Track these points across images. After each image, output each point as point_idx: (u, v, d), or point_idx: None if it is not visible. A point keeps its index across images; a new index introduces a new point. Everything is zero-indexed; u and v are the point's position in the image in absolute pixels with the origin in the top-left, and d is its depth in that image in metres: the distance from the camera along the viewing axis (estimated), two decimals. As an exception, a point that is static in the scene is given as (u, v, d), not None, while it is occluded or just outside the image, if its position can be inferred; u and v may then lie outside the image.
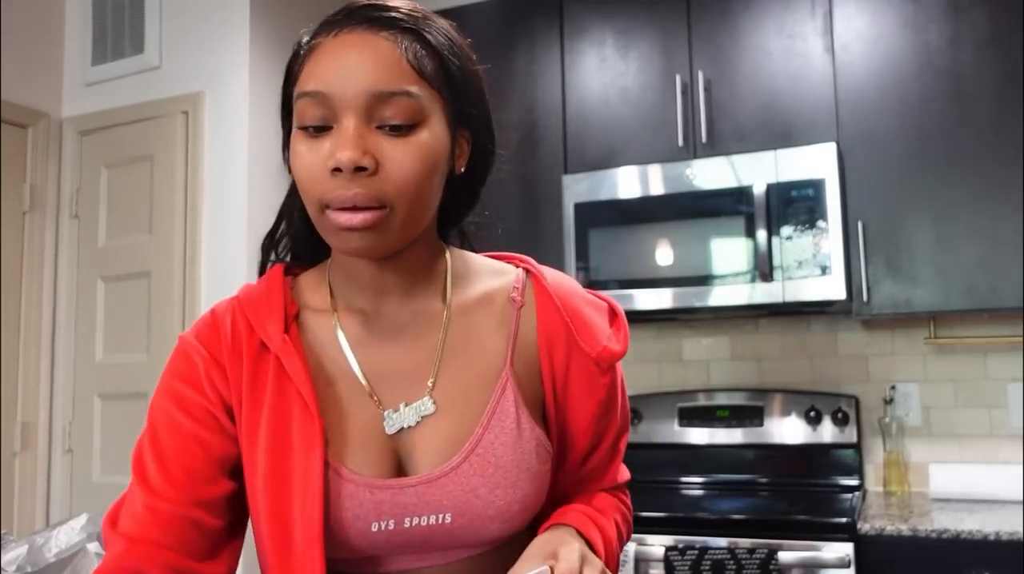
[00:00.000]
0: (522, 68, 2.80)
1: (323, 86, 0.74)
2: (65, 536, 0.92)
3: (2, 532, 0.93)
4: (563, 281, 0.88)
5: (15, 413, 2.81)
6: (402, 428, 0.79)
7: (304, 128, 0.75)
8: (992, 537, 1.95)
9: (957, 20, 2.34)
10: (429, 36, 0.77)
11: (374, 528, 0.76)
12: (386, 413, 0.79)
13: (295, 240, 0.90)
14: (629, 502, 0.96)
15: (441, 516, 0.77)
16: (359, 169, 0.72)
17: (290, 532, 0.75)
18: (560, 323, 0.83)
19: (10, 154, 2.83)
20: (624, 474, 0.95)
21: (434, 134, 0.76)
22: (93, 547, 0.91)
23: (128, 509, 0.78)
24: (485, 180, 0.89)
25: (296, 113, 0.76)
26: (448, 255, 0.87)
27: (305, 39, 0.79)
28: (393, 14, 0.76)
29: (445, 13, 3.09)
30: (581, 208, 2.56)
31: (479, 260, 0.90)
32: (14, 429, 2.80)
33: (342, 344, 0.82)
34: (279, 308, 0.82)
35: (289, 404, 0.78)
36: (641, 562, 2.14)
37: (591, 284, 2.50)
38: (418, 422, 0.79)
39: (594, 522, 0.84)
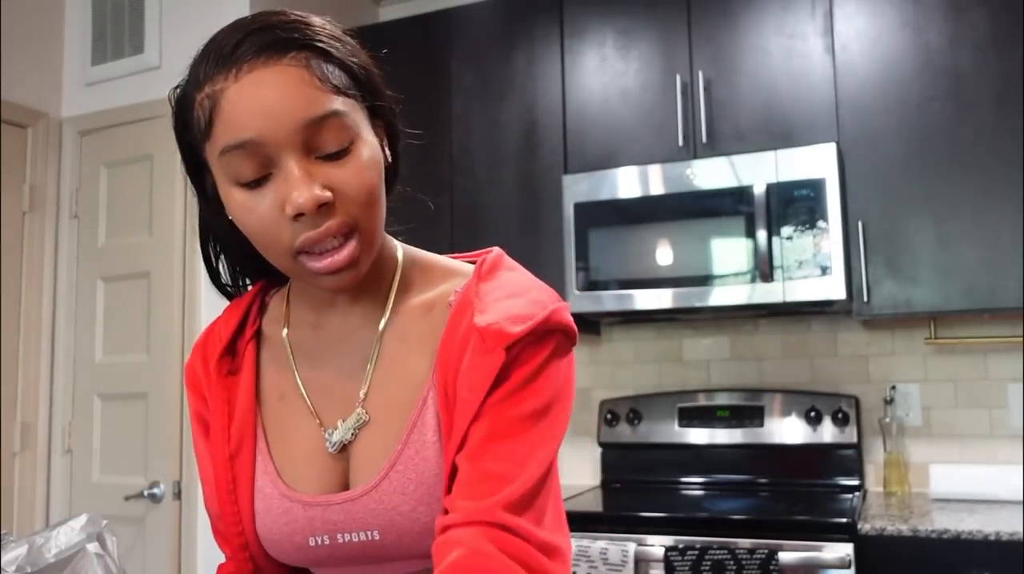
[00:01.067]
0: (522, 68, 2.80)
1: (250, 133, 0.69)
2: (65, 536, 0.92)
3: (2, 532, 0.93)
4: (508, 275, 0.79)
5: (15, 413, 2.81)
6: (342, 443, 0.79)
7: (241, 184, 0.71)
8: (992, 537, 1.95)
9: (957, 20, 2.34)
10: (324, 45, 0.73)
11: (311, 542, 0.78)
12: (326, 433, 0.79)
13: (244, 272, 0.90)
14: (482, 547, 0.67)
15: (369, 533, 0.76)
16: (321, 206, 0.69)
17: (236, 541, 0.81)
18: (467, 302, 0.75)
19: (10, 154, 2.83)
20: (535, 527, 0.69)
21: (368, 142, 0.74)
22: (93, 547, 0.91)
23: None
24: (398, 159, 0.84)
25: (224, 168, 0.71)
26: (400, 258, 0.84)
27: (193, 88, 0.74)
28: (282, 34, 0.71)
29: (445, 13, 3.07)
30: (581, 208, 2.56)
31: (434, 262, 0.85)
32: (14, 429, 2.80)
33: (291, 360, 0.83)
34: (230, 330, 0.84)
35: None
36: (641, 562, 2.14)
37: (591, 284, 2.50)
38: (355, 435, 0.78)
39: None
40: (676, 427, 2.74)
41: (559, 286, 2.49)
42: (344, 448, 0.79)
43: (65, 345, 2.92)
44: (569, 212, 2.57)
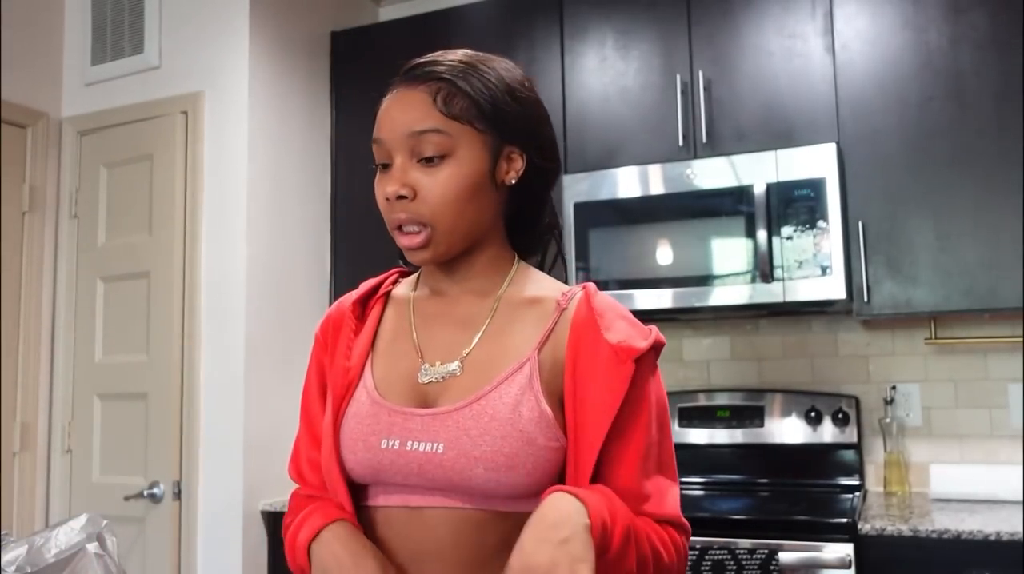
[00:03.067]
0: (522, 68, 2.79)
1: (380, 133, 0.97)
2: (65, 536, 0.92)
3: (2, 532, 0.93)
4: (609, 299, 0.99)
5: (15, 413, 2.81)
6: (432, 380, 0.96)
7: (376, 167, 0.98)
8: (993, 537, 1.95)
9: (957, 20, 2.34)
10: (460, 82, 0.96)
11: (383, 445, 0.93)
12: (423, 366, 0.98)
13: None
14: (681, 542, 0.95)
15: (435, 445, 0.91)
16: (401, 198, 0.94)
17: (327, 441, 0.98)
18: (591, 320, 0.94)
19: (10, 154, 2.83)
20: (671, 508, 0.94)
21: (465, 160, 0.95)
22: (93, 547, 0.91)
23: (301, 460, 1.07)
24: (548, 189, 1.06)
25: (374, 155, 0.99)
26: (516, 265, 1.04)
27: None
28: (430, 68, 0.97)
29: (445, 13, 3.06)
30: (581, 208, 2.56)
31: (542, 275, 1.06)
32: (14, 429, 2.80)
33: (411, 314, 1.04)
34: (369, 287, 1.08)
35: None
36: (641, 562, 2.14)
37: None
38: (444, 378, 0.96)
39: (611, 507, 0.85)
40: (676, 427, 2.74)
41: (559, 286, 2.49)
42: (430, 383, 0.96)
43: (65, 345, 2.91)
44: (569, 212, 2.57)
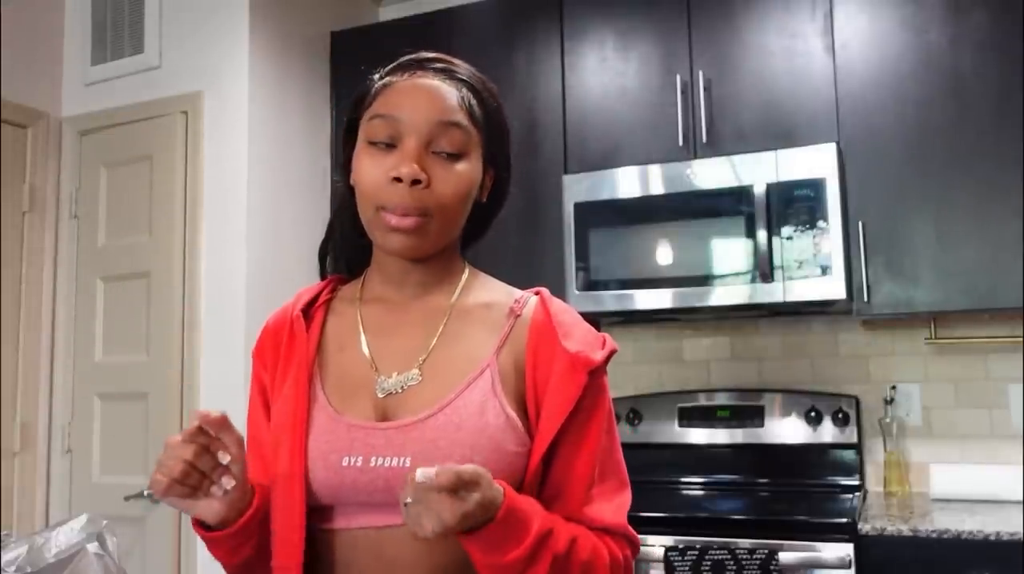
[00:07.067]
0: (522, 68, 2.80)
1: (396, 111, 0.92)
2: (65, 536, 0.92)
3: (2, 532, 0.93)
4: (566, 307, 0.99)
5: (14, 413, 2.81)
6: (390, 392, 0.92)
7: (372, 143, 0.93)
8: (993, 537, 1.95)
9: (957, 20, 2.34)
10: (480, 89, 0.97)
11: (345, 462, 0.88)
12: (379, 378, 0.94)
13: (341, 247, 1.07)
14: (622, 555, 0.95)
15: (402, 459, 0.87)
16: (415, 182, 0.89)
17: (292, 461, 0.91)
18: (549, 326, 0.95)
19: (10, 154, 2.83)
20: (616, 517, 0.94)
21: (472, 165, 0.95)
22: (93, 547, 0.91)
23: None
24: (499, 211, 1.06)
25: (366, 132, 0.94)
26: (466, 271, 1.03)
27: (378, 78, 0.98)
28: (455, 69, 0.97)
29: (445, 13, 3.06)
30: (581, 208, 2.56)
31: (494, 282, 1.04)
32: (14, 429, 2.80)
33: (359, 323, 0.99)
34: (310, 296, 1.02)
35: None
36: (641, 562, 2.14)
37: (591, 284, 2.50)
38: (404, 389, 0.92)
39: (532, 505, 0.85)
40: (676, 427, 2.74)
41: (559, 286, 2.49)
42: (388, 395, 0.92)
43: (65, 345, 2.91)
44: (569, 212, 2.57)
